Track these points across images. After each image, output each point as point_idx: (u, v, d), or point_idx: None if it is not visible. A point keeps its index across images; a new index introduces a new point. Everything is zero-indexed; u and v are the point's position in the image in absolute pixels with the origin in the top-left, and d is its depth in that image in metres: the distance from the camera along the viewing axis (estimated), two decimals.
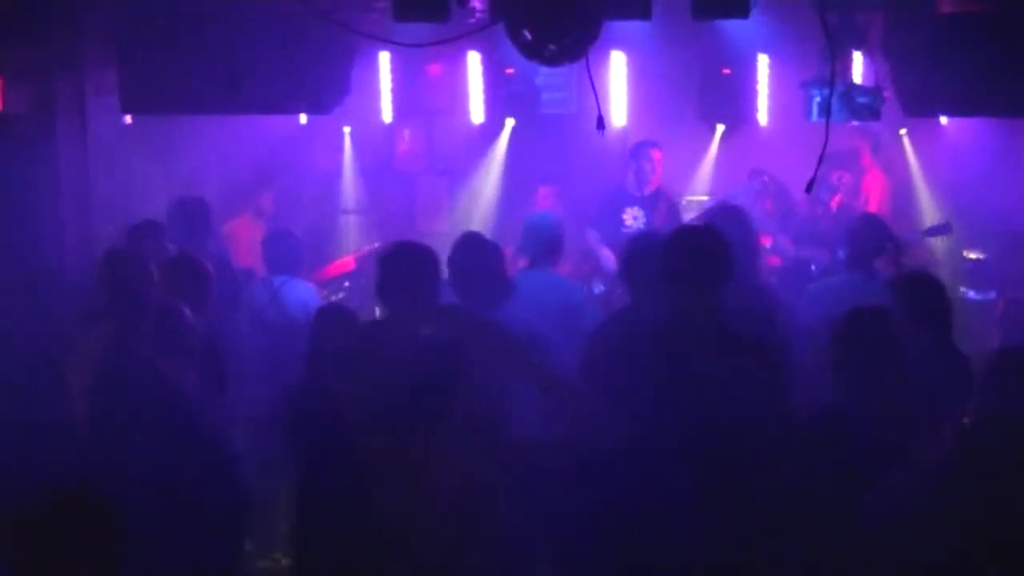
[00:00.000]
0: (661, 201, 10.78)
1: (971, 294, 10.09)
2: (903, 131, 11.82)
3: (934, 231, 10.48)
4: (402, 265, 6.27)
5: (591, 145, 10.70)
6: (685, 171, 12.01)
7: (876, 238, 8.24)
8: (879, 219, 8.83)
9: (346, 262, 11.32)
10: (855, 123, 9.56)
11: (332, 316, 6.98)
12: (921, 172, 11.99)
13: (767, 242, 11.19)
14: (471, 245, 7.22)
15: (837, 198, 10.83)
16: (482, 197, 12.82)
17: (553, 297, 7.74)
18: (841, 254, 10.33)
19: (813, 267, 10.56)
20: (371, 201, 13.35)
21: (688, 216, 11.09)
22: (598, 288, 10.57)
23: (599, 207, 11.07)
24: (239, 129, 11.22)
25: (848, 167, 11.01)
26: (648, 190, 10.85)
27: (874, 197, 11.06)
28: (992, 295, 9.91)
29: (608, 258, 10.36)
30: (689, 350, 5.85)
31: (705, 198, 11.88)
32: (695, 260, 6.04)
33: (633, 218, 10.78)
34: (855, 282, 7.97)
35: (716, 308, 6.01)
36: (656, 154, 10.89)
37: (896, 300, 6.55)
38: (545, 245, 8.12)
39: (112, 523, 4.11)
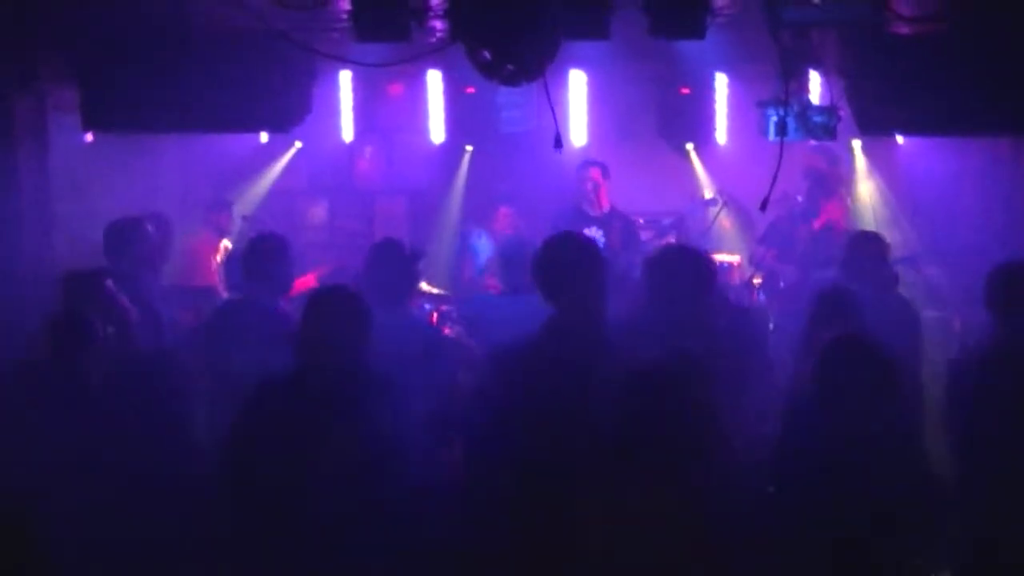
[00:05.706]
0: (617, 220, 10.84)
1: (928, 312, 10.10)
2: (856, 142, 11.92)
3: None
4: None
5: (550, 164, 10.74)
6: (643, 189, 12.08)
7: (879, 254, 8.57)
8: (876, 235, 8.97)
9: (308, 280, 11.28)
10: (812, 143, 9.65)
11: None
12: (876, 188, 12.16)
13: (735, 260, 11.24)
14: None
15: (820, 220, 10.86)
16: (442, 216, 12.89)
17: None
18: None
19: (781, 284, 10.62)
20: (330, 218, 13.43)
21: (644, 235, 11.18)
22: None
23: (557, 226, 11.04)
24: (201, 146, 11.21)
25: (832, 190, 11.09)
26: (601, 209, 10.93)
27: (834, 217, 11.12)
28: (949, 312, 9.96)
29: None
30: (562, 360, 5.83)
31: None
32: (569, 273, 6.02)
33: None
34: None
35: (593, 320, 5.99)
36: (594, 173, 10.94)
37: None
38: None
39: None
